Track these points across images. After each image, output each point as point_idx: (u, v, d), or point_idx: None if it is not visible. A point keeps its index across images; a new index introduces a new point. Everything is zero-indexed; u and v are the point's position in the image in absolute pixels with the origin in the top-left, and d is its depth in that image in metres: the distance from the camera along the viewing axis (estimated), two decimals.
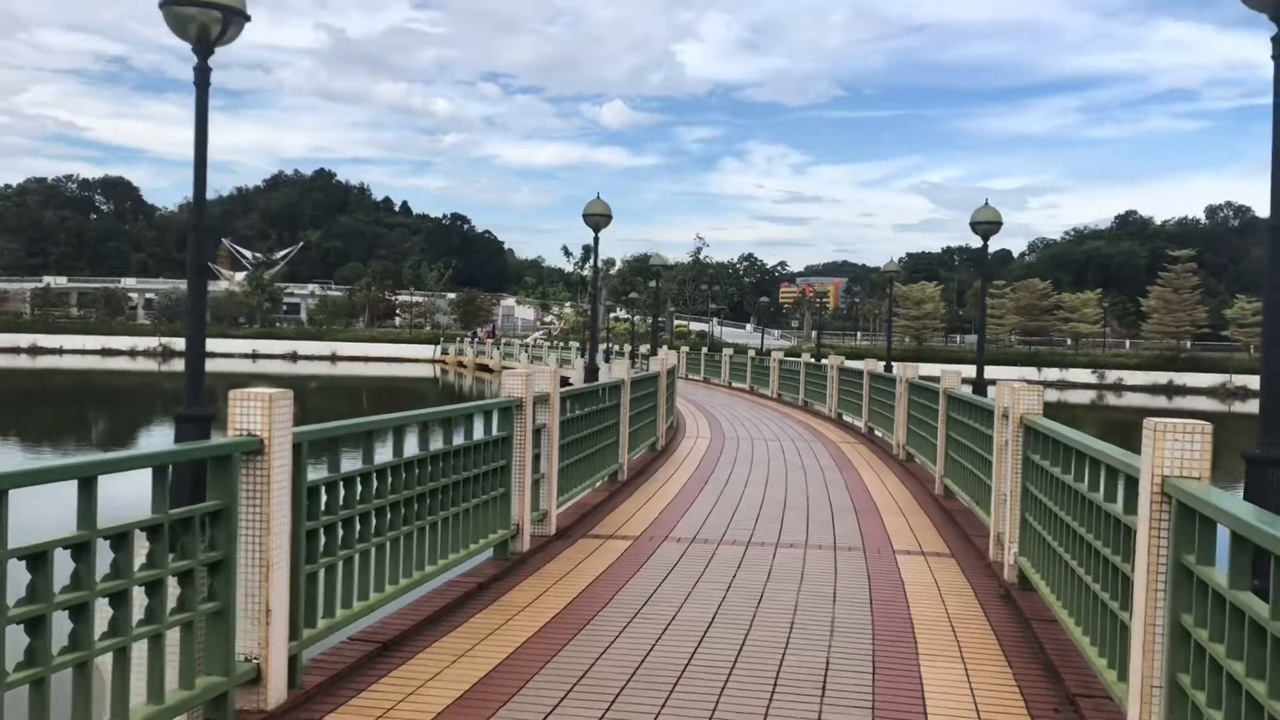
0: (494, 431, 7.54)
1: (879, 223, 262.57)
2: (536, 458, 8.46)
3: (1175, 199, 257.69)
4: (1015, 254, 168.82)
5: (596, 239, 16.39)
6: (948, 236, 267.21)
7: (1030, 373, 72.77)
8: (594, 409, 10.72)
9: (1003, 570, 7.61)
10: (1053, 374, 73.85)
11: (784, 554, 8.40)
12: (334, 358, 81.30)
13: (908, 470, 13.89)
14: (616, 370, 11.73)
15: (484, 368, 66.86)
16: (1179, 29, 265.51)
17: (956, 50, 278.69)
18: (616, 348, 53.77)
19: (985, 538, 8.66)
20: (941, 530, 9.64)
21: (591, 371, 16.18)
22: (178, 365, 73.86)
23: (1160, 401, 66.05)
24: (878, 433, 18.29)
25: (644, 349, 48.74)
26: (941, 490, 11.47)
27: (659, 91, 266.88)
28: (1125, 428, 46.31)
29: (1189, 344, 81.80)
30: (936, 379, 11.83)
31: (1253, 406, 62.94)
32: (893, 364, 27.78)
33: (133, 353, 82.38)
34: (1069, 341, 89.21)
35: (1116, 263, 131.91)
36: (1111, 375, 74.26)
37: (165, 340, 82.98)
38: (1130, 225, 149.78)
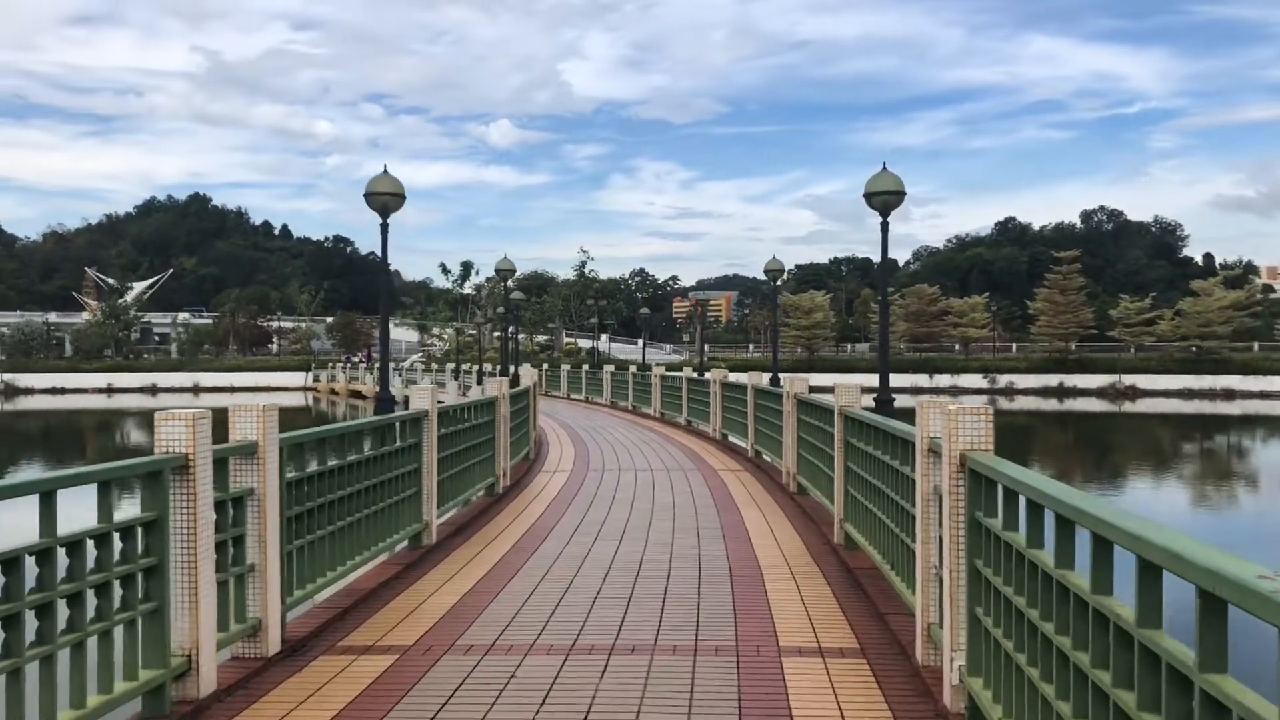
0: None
1: (767, 236, 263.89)
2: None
3: (1051, 206, 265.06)
4: (901, 263, 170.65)
5: (385, 225, 13.44)
6: (835, 248, 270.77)
7: (922, 379, 71.87)
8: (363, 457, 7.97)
9: (940, 689, 4.98)
10: (944, 380, 73.06)
11: (619, 667, 5.63)
12: (196, 389, 76.11)
13: (799, 507, 11.30)
14: (417, 400, 8.90)
15: (357, 394, 63.06)
16: (1046, 43, 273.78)
17: (838, 66, 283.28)
18: (490, 368, 50.60)
19: (907, 620, 6.08)
20: (846, 606, 7.00)
21: (383, 402, 13.27)
22: (24, 403, 68.16)
23: (1051, 403, 65.57)
24: (766, 457, 15.74)
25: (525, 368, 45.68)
26: (842, 539, 8.87)
27: (546, 110, 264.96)
28: (1023, 431, 45.25)
29: (1073, 346, 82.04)
30: (831, 390, 9.32)
31: (1144, 406, 62.78)
32: (779, 376, 25.41)
33: None
34: (958, 347, 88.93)
35: (998, 268, 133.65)
36: (1003, 379, 73.76)
37: (8, 376, 76.79)
38: (1010, 232, 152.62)
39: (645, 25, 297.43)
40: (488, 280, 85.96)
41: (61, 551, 4.15)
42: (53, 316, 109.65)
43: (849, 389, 8.84)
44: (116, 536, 4.51)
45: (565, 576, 7.92)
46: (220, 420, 5.50)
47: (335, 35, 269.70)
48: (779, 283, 27.47)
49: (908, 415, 6.94)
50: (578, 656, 5.82)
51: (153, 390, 77.29)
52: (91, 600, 4.35)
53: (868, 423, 7.72)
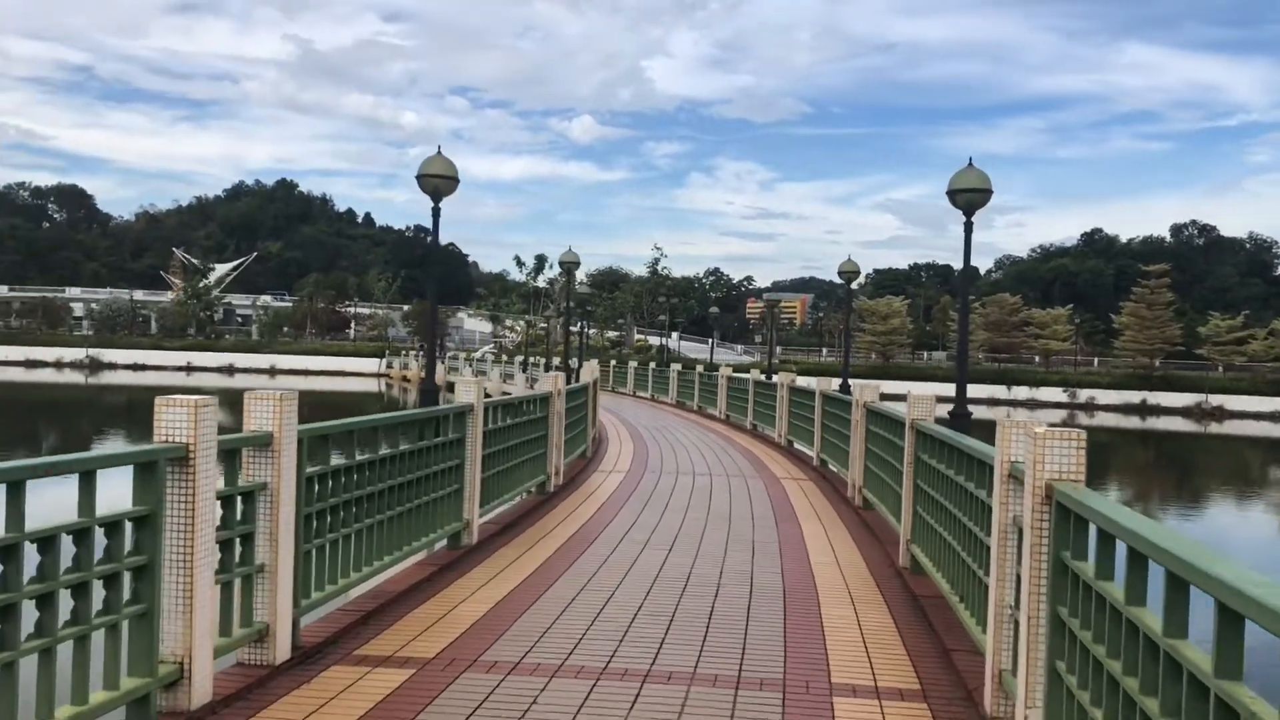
0: None
1: (846, 239, 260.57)
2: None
3: (1140, 218, 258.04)
4: (982, 271, 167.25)
5: (436, 209, 13.00)
6: (915, 253, 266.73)
7: (1000, 391, 70.16)
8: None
9: None
10: (1023, 392, 71.21)
11: (652, 698, 5.11)
12: (272, 371, 77.23)
13: (864, 523, 10.67)
14: (463, 393, 8.45)
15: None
16: (1143, 51, 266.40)
17: (925, 69, 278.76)
18: (558, 362, 50.29)
19: (976, 660, 5.48)
20: (908, 638, 6.39)
21: (428, 394, 12.73)
22: (107, 378, 69.80)
23: (1133, 421, 63.50)
24: (832, 466, 15.09)
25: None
26: (908, 561, 8.24)
27: (628, 107, 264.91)
28: (1102, 449, 43.41)
29: (1157, 362, 79.39)
30: (904, 399, 8.68)
31: (1231, 428, 60.51)
32: (850, 383, 24.68)
33: (59, 364, 77.87)
34: (1037, 359, 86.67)
35: (1083, 280, 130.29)
36: (1083, 394, 71.65)
37: (93, 351, 78.70)
38: (1096, 243, 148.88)
39: (731, 24, 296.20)
40: (560, 274, 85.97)
41: (34, 549, 3.77)
42: (140, 294, 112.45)
43: (923, 400, 8.20)
44: (100, 532, 4.11)
45: (607, 587, 7.42)
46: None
47: (425, 27, 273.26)
48: (854, 285, 26.64)
49: (987, 430, 6.35)
50: (608, 682, 5.31)
51: (230, 370, 78.67)
52: (69, 602, 3.96)
53: (941, 439, 7.08)
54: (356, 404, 52.39)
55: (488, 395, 9.12)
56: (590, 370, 18.02)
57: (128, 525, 4.28)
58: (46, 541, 3.80)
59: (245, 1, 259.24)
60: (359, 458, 6.38)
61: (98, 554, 4.09)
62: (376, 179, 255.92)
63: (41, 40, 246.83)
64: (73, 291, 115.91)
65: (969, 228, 12.12)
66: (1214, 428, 61.43)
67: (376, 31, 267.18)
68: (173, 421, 4.51)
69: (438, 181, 12.75)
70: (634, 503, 11.82)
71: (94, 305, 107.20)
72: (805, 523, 10.79)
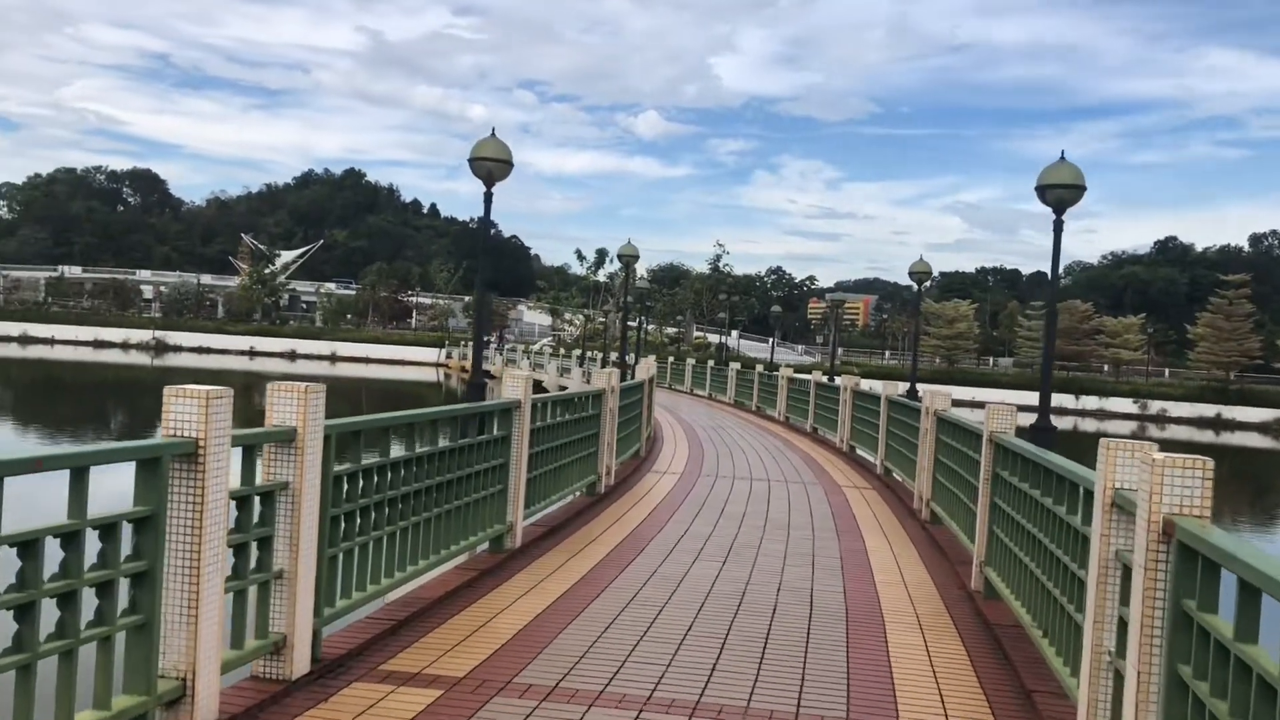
0: None
1: (912, 241, 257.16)
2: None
3: (1216, 227, 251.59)
4: (1050, 278, 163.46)
5: (489, 195, 12.52)
6: (982, 257, 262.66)
7: (1068, 400, 68.42)
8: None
9: None
10: (1091, 402, 69.43)
11: None
12: (334, 358, 77.91)
13: (931, 538, 10.05)
14: (509, 389, 8.01)
15: (486, 373, 63.35)
16: (1223, 56, 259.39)
17: (997, 71, 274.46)
18: (615, 357, 49.86)
19: (1062, 706, 4.92)
20: (983, 673, 5.81)
21: (474, 389, 12.15)
22: (171, 360, 70.87)
23: (1207, 436, 61.55)
24: (896, 475, 14.45)
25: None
26: (981, 585, 7.64)
27: (694, 103, 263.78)
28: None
29: (1232, 376, 76.93)
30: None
31: None
32: (917, 388, 23.90)
33: (125, 345, 79.23)
34: (1106, 369, 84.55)
35: (1155, 289, 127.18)
36: (1154, 406, 69.66)
37: (159, 334, 79.98)
38: (1170, 252, 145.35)
39: (801, 21, 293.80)
40: (619, 270, 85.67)
41: (14, 553, 3.37)
42: (207, 278, 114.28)
43: (1003, 410, 7.58)
44: (95, 535, 3.70)
45: (655, 602, 6.92)
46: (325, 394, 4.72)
47: (494, 21, 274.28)
48: (923, 286, 25.85)
49: (1070, 443, 5.77)
50: (652, 715, 4.82)
51: (292, 356, 79.48)
52: (54, 614, 3.55)
53: (1026, 456, 6.47)
54: (413, 393, 52.50)
55: (542, 389, 8.68)
56: (646, 367, 17.55)
57: (127, 527, 3.88)
58: (28, 546, 3.40)
59: None
60: (394, 455, 5.95)
61: (91, 559, 3.69)
62: (443, 170, 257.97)
63: (124, 28, 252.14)
64: (143, 274, 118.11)
65: (1059, 226, 11.32)
66: None
67: (447, 24, 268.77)
68: (182, 414, 4.10)
69: (491, 165, 12.27)
70: (687, 508, 11.31)
71: (163, 288, 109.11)
72: (868, 536, 10.21)
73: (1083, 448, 11.86)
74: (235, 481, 4.55)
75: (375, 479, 5.77)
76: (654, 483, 13.34)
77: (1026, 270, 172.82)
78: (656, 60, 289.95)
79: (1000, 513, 7.20)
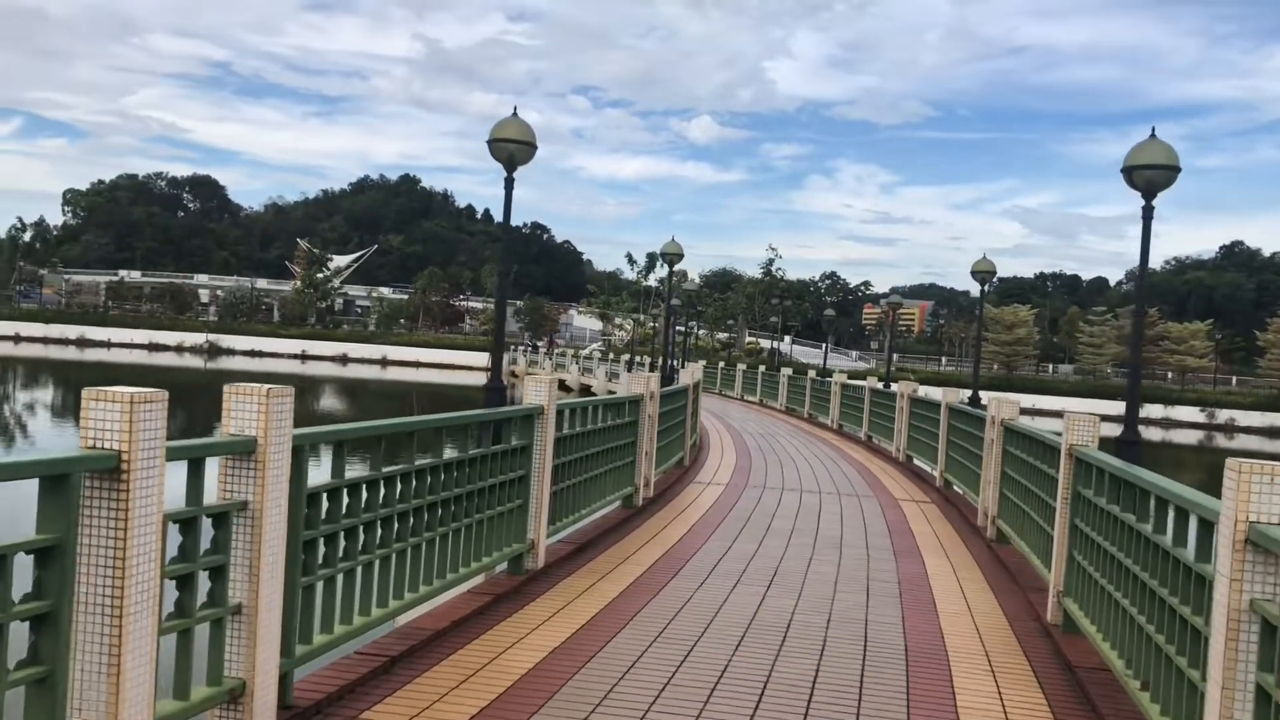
0: None
1: (969, 246, 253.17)
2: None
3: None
4: (1112, 283, 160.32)
5: (510, 180, 11.69)
6: (1041, 263, 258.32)
7: None
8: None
9: None
10: (1156, 410, 67.31)
11: None
12: (384, 362, 78.02)
13: (998, 560, 9.15)
14: (532, 394, 7.26)
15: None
16: None
17: (1056, 73, 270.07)
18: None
19: None
20: None
21: (493, 393, 11.16)
22: (225, 363, 71.31)
23: (1278, 446, 59.36)
24: (957, 488, 13.53)
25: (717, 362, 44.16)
26: (1059, 618, 6.74)
27: (748, 108, 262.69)
28: None
29: None
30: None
31: None
32: (981, 395, 22.85)
33: (180, 348, 79.97)
34: (1170, 376, 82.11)
35: (1221, 294, 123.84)
36: (1222, 415, 67.38)
37: (213, 337, 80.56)
38: (1236, 256, 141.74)
39: (857, 25, 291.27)
40: (673, 274, 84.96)
41: None
42: (263, 283, 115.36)
43: (1084, 421, 6.69)
44: None
45: (687, 638, 6.12)
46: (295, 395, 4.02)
47: (549, 27, 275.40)
48: (987, 287, 24.77)
49: (1153, 455, 4.93)
50: None
51: (343, 360, 79.71)
52: None
53: (1115, 474, 5.59)
54: (462, 396, 52.16)
55: (589, 393, 7.92)
56: (692, 372, 16.76)
57: (26, 560, 3.18)
58: None
59: (378, 0, 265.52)
60: (387, 469, 5.23)
61: None
62: (497, 176, 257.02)
63: (186, 37, 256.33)
64: (200, 278, 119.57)
65: (1148, 213, 10.24)
66: None
67: (502, 31, 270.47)
68: (102, 422, 3.38)
69: (513, 148, 11.50)
70: (730, 524, 10.49)
71: (219, 292, 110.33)
72: (929, 557, 9.32)
73: (1159, 460, 10.86)
74: (183, 501, 3.88)
75: (364, 495, 5.06)
76: (697, 494, 12.54)
77: (1086, 276, 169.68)
78: (710, 65, 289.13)
79: (1083, 537, 6.32)
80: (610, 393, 32.06)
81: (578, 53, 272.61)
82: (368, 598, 5.18)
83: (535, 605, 6.61)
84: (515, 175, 11.71)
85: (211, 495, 4.08)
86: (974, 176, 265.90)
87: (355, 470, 5.02)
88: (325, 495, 4.73)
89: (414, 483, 5.54)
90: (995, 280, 23.85)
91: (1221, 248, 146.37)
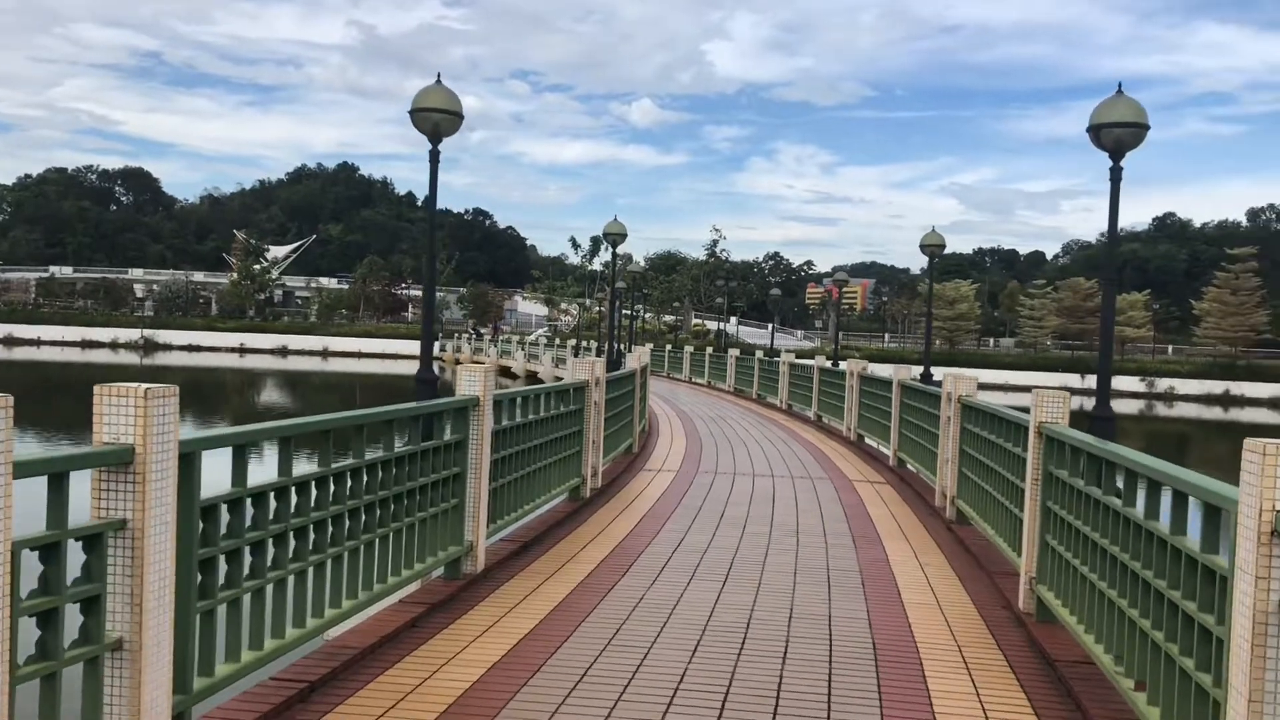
0: None
1: (909, 224, 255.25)
2: None
3: (1213, 203, 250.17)
4: (1049, 256, 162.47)
5: (435, 153, 10.97)
6: (979, 239, 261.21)
7: (1073, 380, 67.20)
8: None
9: None
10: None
11: None
12: (325, 353, 76.64)
13: (960, 542, 8.79)
14: (465, 384, 6.73)
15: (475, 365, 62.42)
16: (1218, 31, 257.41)
17: (991, 51, 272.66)
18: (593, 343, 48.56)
19: None
20: None
21: (424, 384, 10.33)
22: (161, 359, 69.56)
23: (1216, 413, 60.39)
24: (910, 467, 13.21)
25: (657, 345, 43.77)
26: (1033, 606, 6.36)
27: (688, 90, 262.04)
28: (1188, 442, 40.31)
29: (1236, 351, 75.59)
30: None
31: None
32: (934, 372, 22.66)
33: (114, 345, 77.86)
34: None
35: (1155, 265, 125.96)
36: (1161, 384, 68.41)
37: (148, 332, 78.57)
38: (1169, 228, 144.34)
39: (793, 6, 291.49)
40: (617, 257, 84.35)
41: None
42: (199, 276, 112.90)
43: (1054, 397, 6.30)
44: None
45: (640, 643, 5.65)
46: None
47: (485, 12, 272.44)
48: (935, 260, 24.54)
49: (1124, 428, 4.55)
50: None
51: (283, 352, 78.16)
52: None
53: (1096, 454, 5.19)
54: (404, 387, 51.20)
55: (536, 380, 7.39)
56: (639, 355, 16.26)
57: None
58: None
59: None
60: (299, 474, 4.68)
61: None
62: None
63: (114, 27, 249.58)
64: (135, 273, 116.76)
65: (1116, 175, 9.84)
66: None
67: (438, 16, 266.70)
68: None
69: (437, 118, 10.82)
70: (682, 513, 10.03)
71: (154, 286, 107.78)
72: (889, 542, 8.93)
73: (1121, 431, 10.54)
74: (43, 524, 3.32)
75: (273, 505, 4.51)
76: (647, 482, 12.07)
77: (1023, 250, 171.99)
78: (650, 48, 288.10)
79: (1058, 521, 5.93)
80: (557, 379, 31.51)
81: (515, 37, 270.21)
82: (280, 618, 4.64)
83: (474, 613, 6.09)
84: (441, 149, 11.00)
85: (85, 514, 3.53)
86: (912, 155, 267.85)
87: (289, 472, 4.47)
88: (225, 507, 4.18)
89: (332, 487, 5.00)
90: (942, 251, 23.65)
91: (1154, 220, 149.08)
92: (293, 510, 4.65)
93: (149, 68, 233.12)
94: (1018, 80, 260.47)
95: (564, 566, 7.41)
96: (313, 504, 4.80)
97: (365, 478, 5.33)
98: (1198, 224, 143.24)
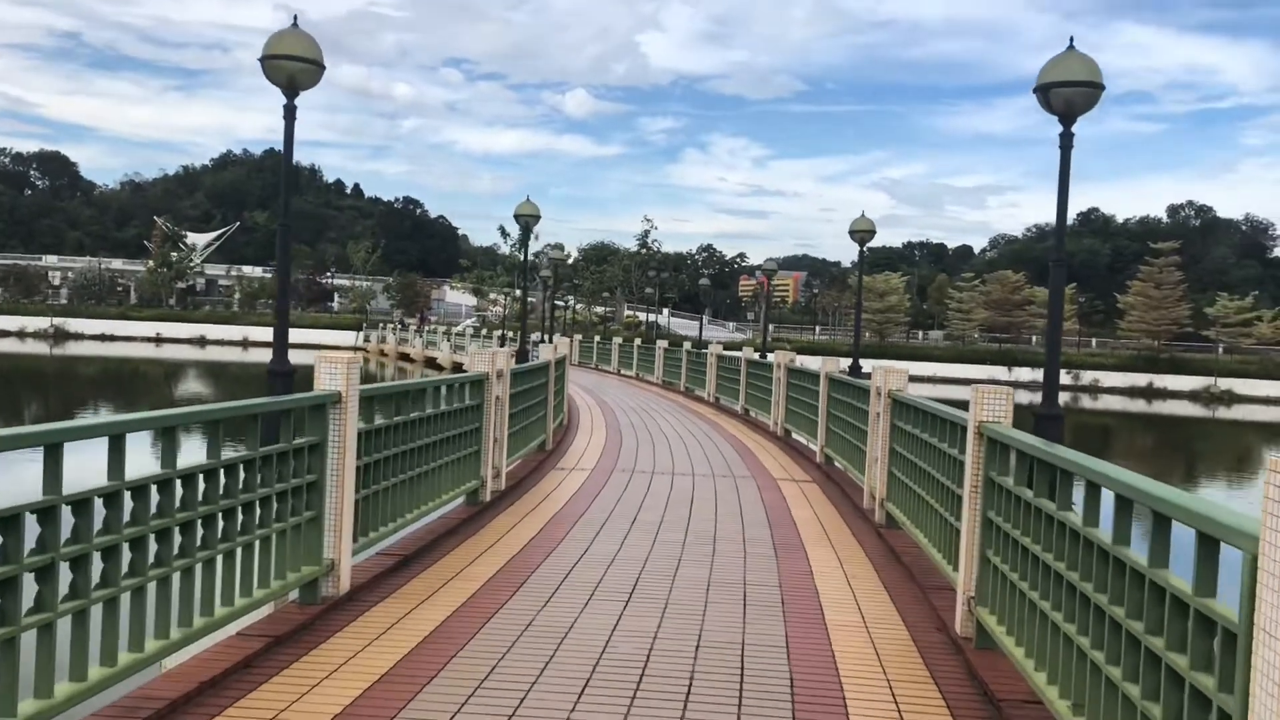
0: None
1: (839, 217, 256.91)
2: None
3: (1134, 199, 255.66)
4: (977, 250, 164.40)
5: (291, 109, 9.80)
6: (908, 232, 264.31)
7: (1000, 372, 67.71)
8: None
9: None
10: (1024, 374, 68.70)
11: None
12: (246, 343, 74.42)
13: (891, 551, 8.07)
14: (325, 377, 5.80)
15: (405, 356, 60.99)
16: (1138, 32, 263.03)
17: (921, 47, 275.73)
18: (540, 337, 47.54)
19: None
20: None
21: (277, 378, 9.27)
22: (73, 349, 66.99)
23: (1140, 405, 61.16)
24: (838, 464, 12.52)
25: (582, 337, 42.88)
26: (972, 630, 5.62)
27: (622, 81, 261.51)
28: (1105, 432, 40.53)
29: (1157, 343, 76.80)
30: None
31: (1241, 413, 58.26)
32: (861, 363, 22.11)
33: (21, 334, 74.78)
34: (1034, 340, 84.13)
35: (1080, 260, 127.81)
36: (1086, 376, 69.17)
37: (59, 321, 75.63)
38: (1093, 223, 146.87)
39: None
40: (547, 246, 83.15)
41: None
42: (118, 263, 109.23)
43: (996, 394, 5.57)
44: None
45: (518, 682, 4.79)
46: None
47: None
48: (865, 247, 23.96)
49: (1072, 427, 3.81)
50: None
51: (201, 342, 75.77)
52: None
53: (1053, 463, 4.44)
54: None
55: (458, 367, 6.47)
56: (550, 349, 15.32)
57: None
58: None
59: None
60: (73, 494, 3.74)
61: None
62: (367, 150, 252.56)
63: (29, 6, 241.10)
64: (49, 260, 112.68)
65: (1067, 141, 9.04)
66: (1222, 412, 59.10)
67: (369, 2, 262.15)
68: None
69: (293, 67, 9.71)
70: (591, 518, 9.19)
71: (69, 274, 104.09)
72: (813, 549, 8.18)
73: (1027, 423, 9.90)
74: None
75: (40, 531, 3.57)
76: (558, 482, 11.21)
77: (951, 244, 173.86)
78: (583, 38, 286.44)
79: (1000, 535, 5.20)
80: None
81: (448, 25, 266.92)
82: (81, 663, 3.72)
83: (326, 647, 5.18)
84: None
85: None
86: (843, 149, 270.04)
87: (58, 489, 3.52)
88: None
89: (130, 504, 4.07)
90: (873, 237, 23.14)
91: (1079, 215, 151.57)
92: (71, 537, 3.72)
93: (68, 49, 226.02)
94: (947, 76, 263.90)
95: (447, 584, 6.52)
96: (96, 528, 3.87)
97: (181, 491, 4.40)
98: (1120, 219, 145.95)
